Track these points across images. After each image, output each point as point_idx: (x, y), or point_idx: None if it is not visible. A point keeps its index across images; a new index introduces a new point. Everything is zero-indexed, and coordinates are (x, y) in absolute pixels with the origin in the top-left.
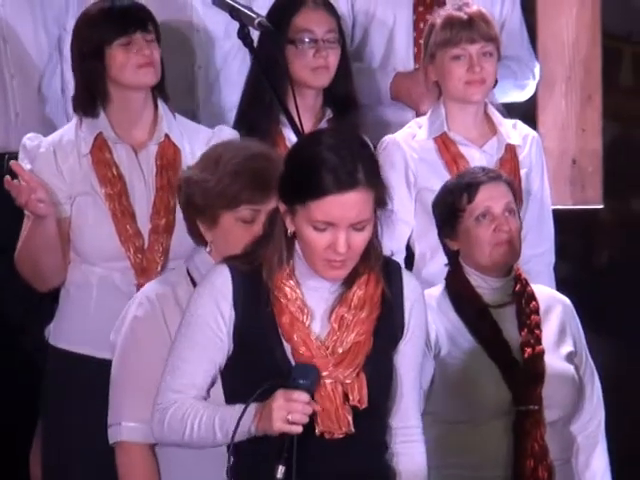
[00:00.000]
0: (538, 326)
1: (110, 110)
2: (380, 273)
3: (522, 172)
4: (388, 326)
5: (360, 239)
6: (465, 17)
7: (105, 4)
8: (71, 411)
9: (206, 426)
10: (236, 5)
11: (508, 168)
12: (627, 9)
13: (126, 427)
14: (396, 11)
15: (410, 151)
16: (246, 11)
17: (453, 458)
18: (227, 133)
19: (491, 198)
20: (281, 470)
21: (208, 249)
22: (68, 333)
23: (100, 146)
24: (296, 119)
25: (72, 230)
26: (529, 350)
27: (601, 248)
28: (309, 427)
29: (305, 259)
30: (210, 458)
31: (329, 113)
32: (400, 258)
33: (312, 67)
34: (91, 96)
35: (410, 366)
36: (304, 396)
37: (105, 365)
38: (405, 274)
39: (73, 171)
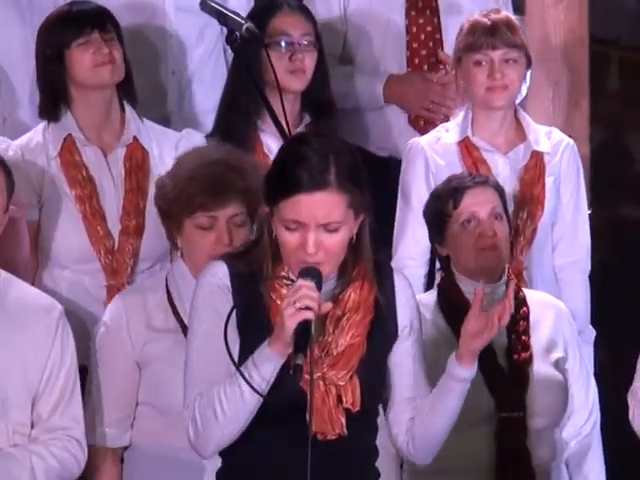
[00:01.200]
0: (526, 332)
1: (76, 112)
2: (373, 277)
3: (549, 179)
4: (382, 330)
5: (333, 241)
6: (488, 23)
7: (64, 8)
8: None
9: (231, 387)
10: (224, 11)
11: (531, 175)
12: (615, 14)
13: (91, 431)
14: (389, 15)
15: (433, 155)
16: (234, 17)
17: (437, 464)
18: (195, 137)
19: (477, 203)
20: (300, 357)
21: (179, 254)
22: None
23: (69, 148)
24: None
25: (41, 234)
26: (515, 356)
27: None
28: (302, 431)
29: (285, 260)
30: (175, 464)
31: (307, 118)
32: (423, 262)
33: (288, 70)
34: (54, 100)
35: (405, 362)
36: (307, 282)
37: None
38: (397, 276)
39: (42, 174)
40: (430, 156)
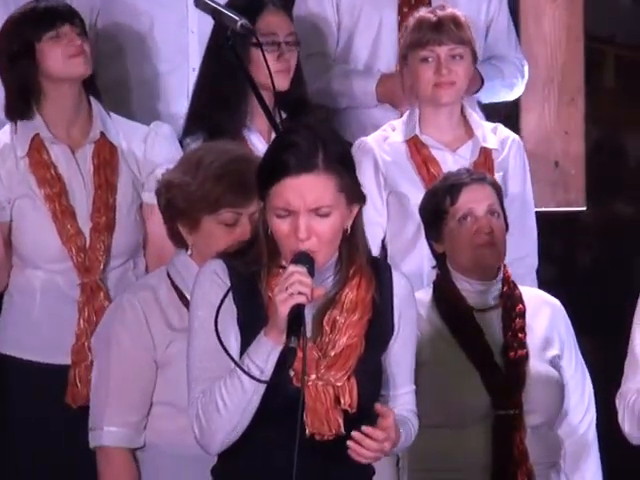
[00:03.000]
0: (522, 329)
1: (45, 110)
2: (371, 275)
3: (497, 175)
4: (379, 329)
5: (325, 226)
6: (434, 19)
7: (30, 5)
8: (20, 416)
9: (231, 380)
10: (218, 7)
11: (481, 172)
12: (610, 11)
13: (107, 431)
14: (381, 12)
15: (381, 153)
16: (228, 13)
17: (433, 462)
18: (163, 128)
19: (474, 200)
20: (294, 340)
21: (189, 252)
22: (14, 339)
23: (37, 147)
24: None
25: (13, 234)
26: (511, 354)
27: (584, 250)
28: (299, 430)
29: (282, 254)
30: (194, 463)
31: (282, 114)
32: None
33: (275, 70)
34: (25, 97)
35: (401, 360)
36: (299, 268)
37: (52, 370)
38: (395, 273)
39: (11, 174)
40: (379, 154)
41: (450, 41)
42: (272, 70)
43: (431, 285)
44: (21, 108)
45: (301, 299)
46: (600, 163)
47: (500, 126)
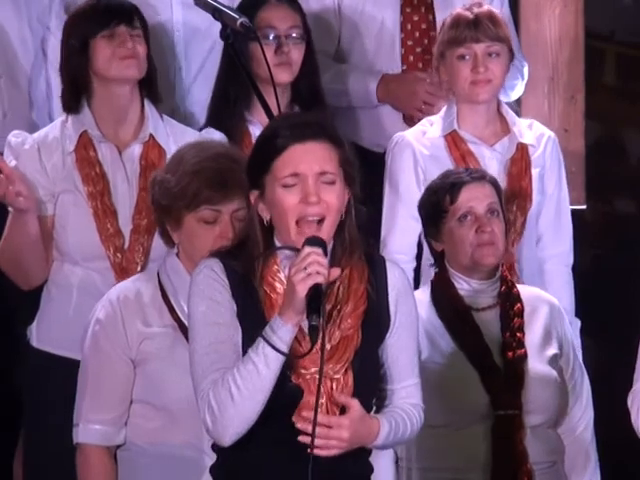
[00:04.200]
0: (521, 329)
1: (95, 107)
2: (364, 267)
3: (534, 171)
4: (374, 320)
5: (331, 194)
6: (471, 16)
7: (92, 2)
8: (53, 412)
9: (244, 366)
10: (218, 6)
11: (518, 167)
12: (610, 8)
13: (84, 429)
14: (383, 12)
15: (420, 148)
16: (228, 12)
17: (433, 462)
18: (215, 136)
19: (474, 198)
20: (315, 318)
21: (176, 251)
22: (50, 335)
23: (84, 144)
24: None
25: (55, 228)
26: (510, 353)
27: (584, 248)
28: (298, 429)
29: (282, 234)
30: (173, 462)
31: (296, 109)
32: (412, 256)
33: (274, 63)
34: (76, 91)
35: (400, 353)
36: (315, 249)
37: None
38: (389, 265)
39: (57, 169)
40: (418, 149)
41: (487, 38)
42: (271, 64)
43: (429, 284)
44: (72, 103)
45: (319, 279)
46: (600, 161)
47: (535, 122)
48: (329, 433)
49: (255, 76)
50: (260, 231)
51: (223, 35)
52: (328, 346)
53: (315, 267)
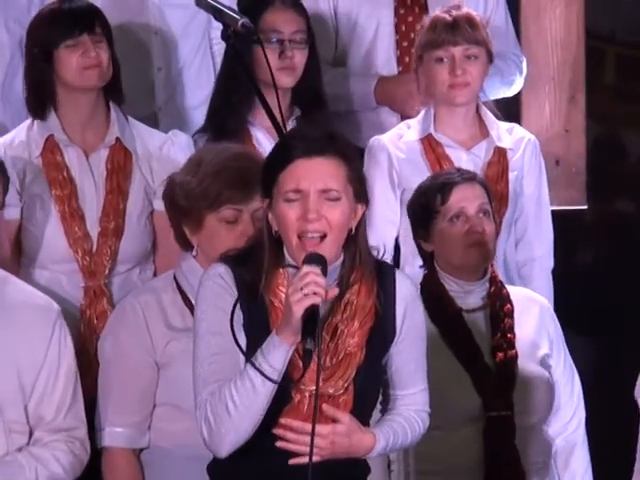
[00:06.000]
0: (511, 329)
1: (61, 112)
2: (373, 282)
3: (511, 175)
4: (380, 336)
5: (334, 211)
6: (449, 19)
7: (55, 6)
8: None
9: (241, 381)
10: (219, 7)
11: (495, 171)
12: (611, 9)
13: (109, 432)
14: (378, 14)
15: (396, 151)
16: (230, 12)
17: (426, 464)
18: (181, 137)
19: (465, 199)
20: (310, 341)
21: (194, 253)
22: None
23: (51, 148)
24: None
25: (22, 232)
26: (501, 355)
27: (585, 248)
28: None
29: (287, 248)
30: (198, 464)
31: (297, 112)
32: (388, 258)
33: (277, 67)
34: (40, 98)
35: (405, 361)
36: (313, 268)
37: None
38: (399, 277)
39: (23, 173)
40: (393, 152)
41: (465, 41)
42: (274, 67)
43: (418, 286)
44: (37, 108)
45: (316, 299)
46: (601, 161)
47: (517, 126)
48: (306, 440)
49: (258, 79)
50: (269, 241)
51: (224, 36)
52: (329, 364)
53: (312, 287)
